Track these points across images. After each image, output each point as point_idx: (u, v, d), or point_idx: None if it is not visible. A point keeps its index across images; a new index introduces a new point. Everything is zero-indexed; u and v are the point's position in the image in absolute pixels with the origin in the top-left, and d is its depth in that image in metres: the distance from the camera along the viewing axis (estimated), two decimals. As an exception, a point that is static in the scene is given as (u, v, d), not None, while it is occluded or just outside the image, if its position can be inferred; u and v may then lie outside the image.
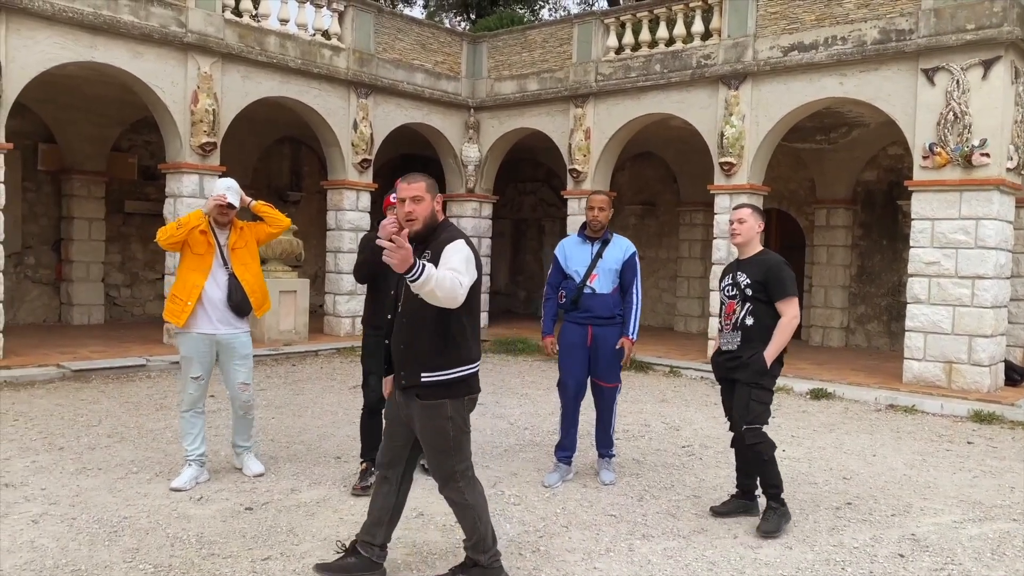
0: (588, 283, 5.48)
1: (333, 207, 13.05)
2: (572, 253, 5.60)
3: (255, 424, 5.95)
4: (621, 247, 5.56)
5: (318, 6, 12.37)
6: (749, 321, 4.63)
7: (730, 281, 4.80)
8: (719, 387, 5.05)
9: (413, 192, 3.43)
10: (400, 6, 24.02)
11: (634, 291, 5.52)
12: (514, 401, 8.76)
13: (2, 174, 9.16)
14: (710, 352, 11.92)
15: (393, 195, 4.49)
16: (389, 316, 3.67)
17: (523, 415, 8.02)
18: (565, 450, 5.69)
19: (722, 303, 4.83)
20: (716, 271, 11.57)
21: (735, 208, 4.83)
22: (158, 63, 10.41)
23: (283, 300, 11.68)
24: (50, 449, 6.08)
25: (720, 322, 4.83)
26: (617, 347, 5.47)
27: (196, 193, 10.85)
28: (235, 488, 5.22)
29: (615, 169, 13.61)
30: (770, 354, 4.59)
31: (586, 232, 5.60)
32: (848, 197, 13.94)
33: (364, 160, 12.88)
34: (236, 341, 5.26)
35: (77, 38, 9.67)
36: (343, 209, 12.89)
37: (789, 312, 4.60)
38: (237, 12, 11.42)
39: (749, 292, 4.63)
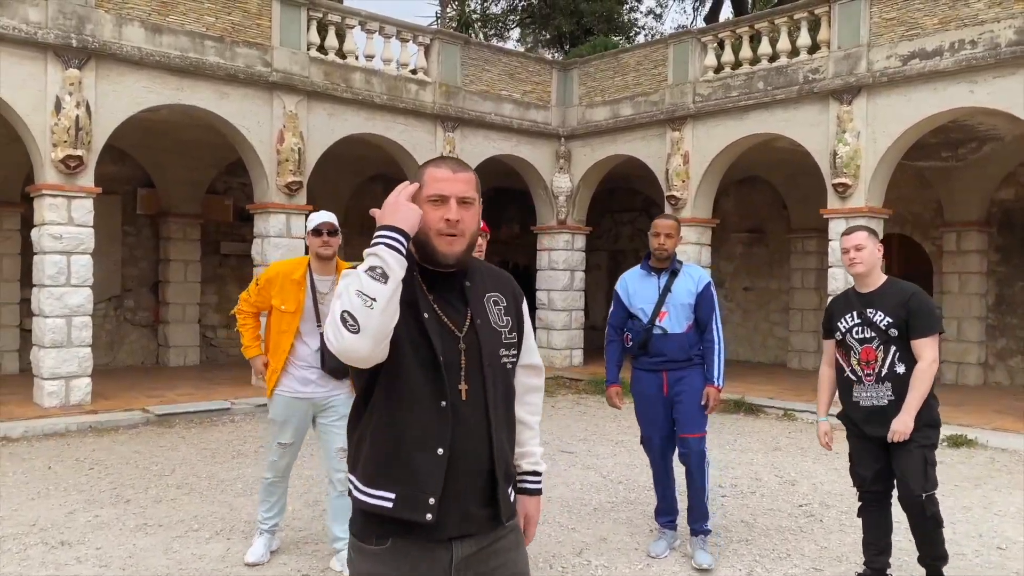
0: (657, 322, 4.67)
1: (421, 243, 12.70)
2: (636, 288, 4.78)
3: None
4: (693, 277, 4.71)
5: (404, 40, 12.18)
6: (900, 369, 3.84)
7: (857, 320, 3.96)
8: (848, 444, 4.21)
9: (462, 189, 1.97)
10: (495, 41, 23.95)
11: (713, 328, 4.65)
12: (608, 450, 8.02)
13: (91, 218, 9.20)
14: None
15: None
16: (444, 402, 2.00)
17: (617, 466, 7.29)
18: (666, 515, 4.93)
19: (848, 348, 4.00)
20: (832, 303, 10.51)
21: (847, 233, 4.01)
22: (244, 103, 10.37)
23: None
24: (116, 502, 5.81)
25: (851, 371, 4.00)
26: (702, 402, 4.65)
27: (283, 232, 10.71)
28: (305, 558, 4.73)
29: (718, 194, 12.76)
30: (911, 408, 3.81)
31: (651, 263, 4.78)
32: (982, 219, 12.59)
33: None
34: (336, 400, 4.39)
35: (164, 81, 9.71)
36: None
37: (930, 354, 3.81)
38: (322, 49, 11.33)
39: (894, 333, 3.83)
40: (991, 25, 9.14)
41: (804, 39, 10.98)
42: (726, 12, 23.62)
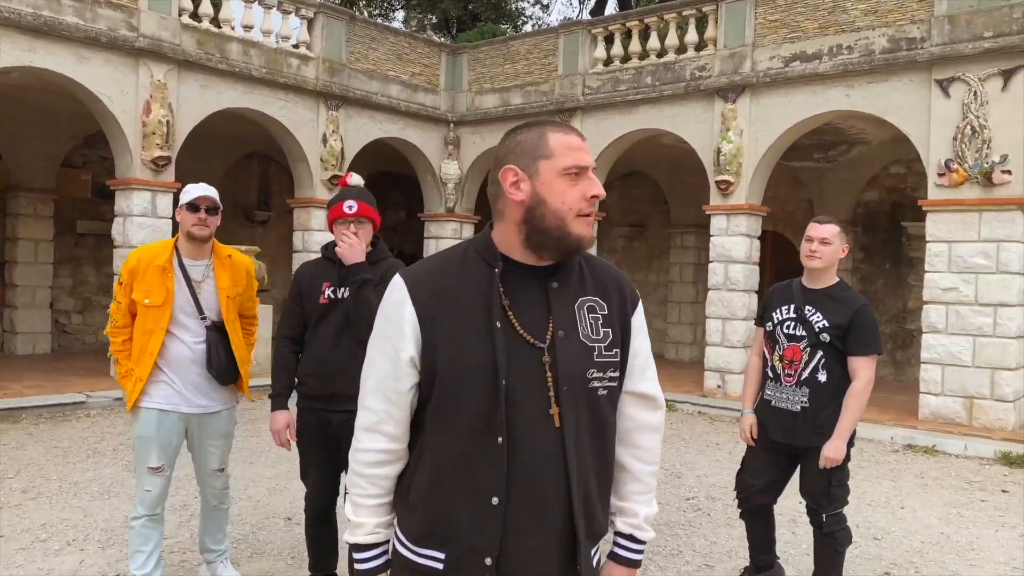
0: None
1: (300, 227, 12.14)
2: None
3: (230, 519, 4.23)
4: None
5: (286, 12, 11.55)
6: (822, 377, 3.60)
7: (792, 315, 3.70)
8: (745, 445, 4.03)
9: (591, 159, 1.68)
10: (379, 21, 23.28)
11: None
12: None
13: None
14: (707, 385, 11.39)
15: (348, 204, 3.41)
16: (500, 438, 1.57)
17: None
18: None
19: (775, 342, 3.75)
20: (713, 297, 10.76)
21: (817, 222, 3.70)
22: (105, 69, 9.51)
23: (244, 328, 10.72)
24: (-53, 510, 5.13)
25: (771, 367, 3.78)
26: None
27: (147, 211, 9.92)
28: None
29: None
30: (844, 432, 3.56)
31: None
32: (848, 219, 13.21)
33: (334, 176, 11.99)
34: (215, 418, 3.65)
35: (13, 41, 8.76)
36: (311, 229, 11.98)
37: (866, 374, 3.57)
38: (196, 17, 10.56)
39: (826, 338, 3.58)
40: (867, 32, 9.52)
41: (692, 36, 11.13)
42: (611, 8, 23.89)
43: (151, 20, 9.86)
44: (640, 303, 1.75)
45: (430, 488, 1.58)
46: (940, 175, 8.92)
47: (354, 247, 3.38)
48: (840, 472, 3.66)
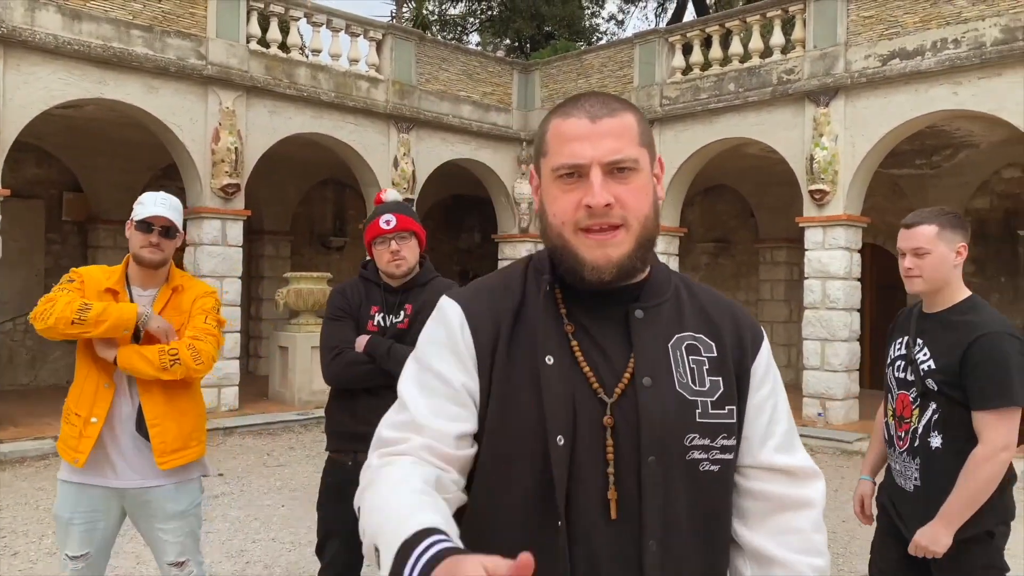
0: None
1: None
2: None
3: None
4: None
5: (354, 35, 11.39)
6: (935, 442, 2.43)
7: (902, 351, 2.60)
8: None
9: (610, 147, 1.18)
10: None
11: None
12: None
13: (-2, 223, 8.25)
14: (806, 412, 10.24)
15: (385, 219, 2.91)
16: (560, 522, 1.15)
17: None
18: None
19: (888, 389, 2.66)
20: (810, 316, 9.95)
21: (905, 225, 2.54)
22: (175, 98, 9.47)
23: (316, 357, 10.44)
24: None
25: (884, 425, 2.69)
26: None
27: (218, 240, 9.82)
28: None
29: (683, 204, 12.15)
30: (951, 516, 2.35)
31: None
32: (956, 228, 12.16)
33: (407, 199, 11.73)
34: (158, 495, 2.79)
35: (84, 73, 8.79)
36: (384, 254, 11.70)
37: (995, 436, 2.32)
38: (263, 43, 10.47)
39: (932, 386, 2.44)
40: (975, 23, 8.66)
41: (778, 38, 10.43)
42: (689, 18, 23.22)
43: (219, 47, 9.79)
44: (766, 343, 1.27)
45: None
46: (1068, 176, 7.96)
47: (359, 341, 2.86)
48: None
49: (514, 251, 13.51)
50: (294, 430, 9.37)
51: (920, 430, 2.47)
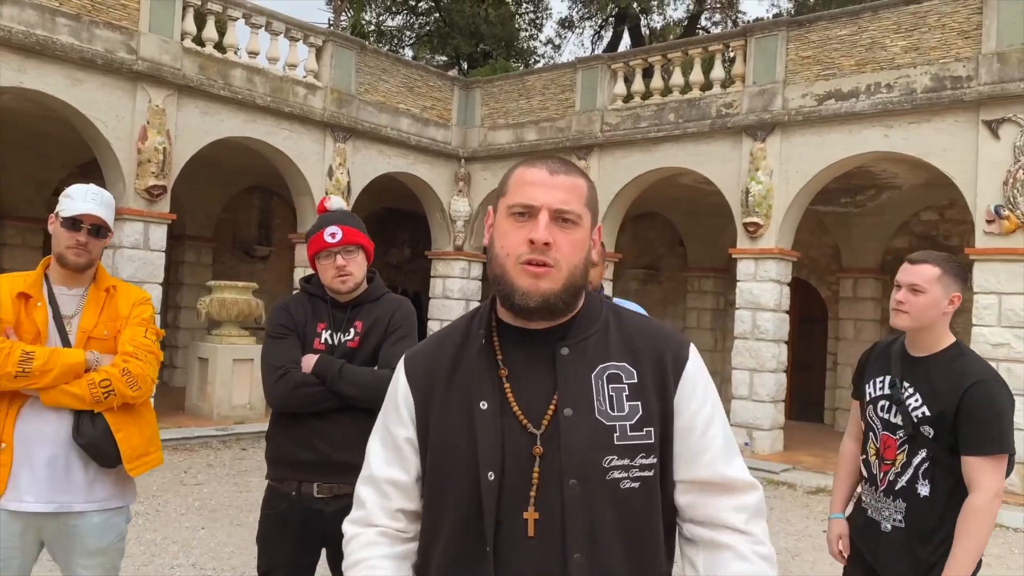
0: None
1: (302, 263, 11.52)
2: None
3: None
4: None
5: (293, 39, 11.07)
6: (923, 490, 2.44)
7: (886, 391, 2.57)
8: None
9: (561, 198, 1.38)
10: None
11: None
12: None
13: None
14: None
15: (330, 231, 2.70)
16: (488, 547, 1.31)
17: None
18: None
19: (869, 427, 2.64)
20: (740, 346, 10.10)
21: (909, 261, 2.54)
22: (101, 93, 8.97)
23: (237, 370, 10.06)
24: None
25: (864, 462, 2.66)
26: None
27: (139, 244, 9.32)
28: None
29: (617, 229, 12.23)
30: (960, 567, 2.33)
31: None
32: (877, 266, 12.60)
33: (339, 212, 11.43)
34: (82, 525, 2.49)
35: (3, 59, 8.24)
36: (314, 266, 11.36)
37: (989, 482, 2.34)
38: (199, 41, 10.06)
39: (928, 432, 2.44)
40: (908, 70, 9.00)
41: (718, 72, 10.64)
42: (624, 48, 23.62)
43: (151, 42, 9.35)
44: (692, 365, 1.38)
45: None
46: (989, 221, 8.31)
47: (306, 360, 2.67)
48: None
49: (448, 268, 13.34)
50: (212, 446, 8.93)
51: (908, 474, 2.47)
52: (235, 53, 10.42)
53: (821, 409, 13.09)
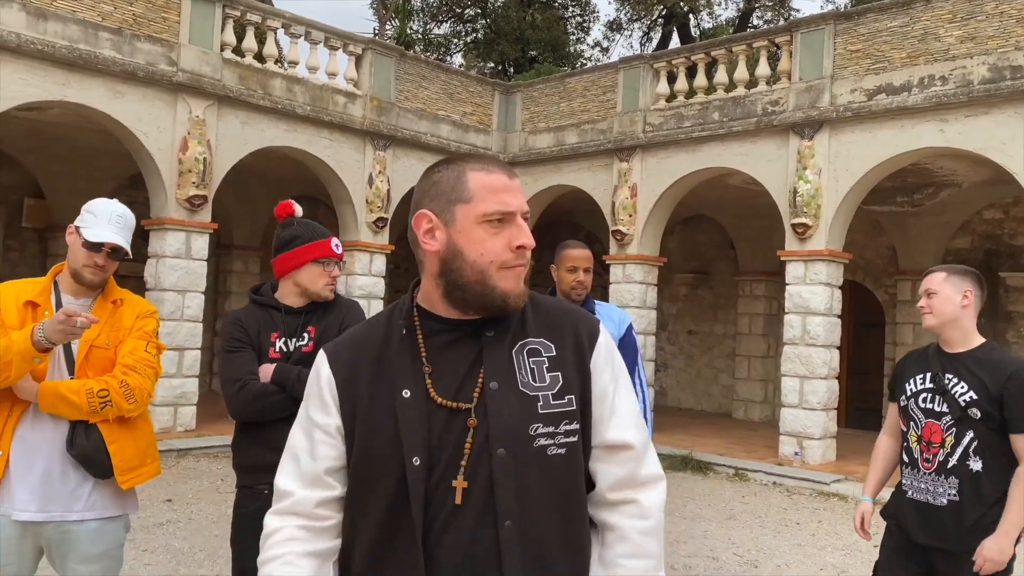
0: None
1: (344, 271, 11.54)
2: None
3: None
4: (614, 320, 3.61)
5: (333, 48, 11.11)
6: (975, 466, 2.79)
7: (929, 385, 2.93)
8: (881, 545, 3.07)
9: (523, 202, 1.51)
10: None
11: (636, 380, 3.49)
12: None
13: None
14: (782, 451, 10.25)
15: (335, 242, 2.90)
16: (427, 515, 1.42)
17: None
18: None
19: (909, 418, 2.98)
20: (789, 352, 9.73)
21: (927, 271, 3.07)
22: (142, 105, 9.11)
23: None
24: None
25: (906, 448, 3.00)
26: None
27: (181, 253, 9.43)
28: None
29: (663, 232, 11.95)
30: (1013, 527, 2.71)
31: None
32: (936, 267, 12.05)
33: (380, 219, 11.42)
34: (78, 532, 2.50)
35: (47, 74, 8.42)
36: (354, 273, 11.39)
37: None
38: (238, 52, 10.17)
39: (975, 414, 2.79)
40: (963, 61, 8.56)
41: (763, 69, 10.30)
42: (674, 47, 23.26)
43: (191, 54, 9.48)
44: (604, 338, 1.47)
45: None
46: (1054, 219, 7.84)
47: (263, 369, 2.72)
48: None
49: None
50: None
51: (959, 453, 2.81)
52: (275, 63, 10.50)
53: (878, 417, 12.54)
